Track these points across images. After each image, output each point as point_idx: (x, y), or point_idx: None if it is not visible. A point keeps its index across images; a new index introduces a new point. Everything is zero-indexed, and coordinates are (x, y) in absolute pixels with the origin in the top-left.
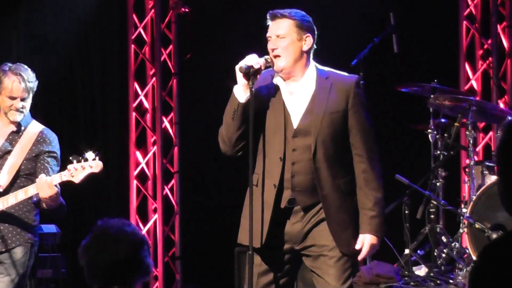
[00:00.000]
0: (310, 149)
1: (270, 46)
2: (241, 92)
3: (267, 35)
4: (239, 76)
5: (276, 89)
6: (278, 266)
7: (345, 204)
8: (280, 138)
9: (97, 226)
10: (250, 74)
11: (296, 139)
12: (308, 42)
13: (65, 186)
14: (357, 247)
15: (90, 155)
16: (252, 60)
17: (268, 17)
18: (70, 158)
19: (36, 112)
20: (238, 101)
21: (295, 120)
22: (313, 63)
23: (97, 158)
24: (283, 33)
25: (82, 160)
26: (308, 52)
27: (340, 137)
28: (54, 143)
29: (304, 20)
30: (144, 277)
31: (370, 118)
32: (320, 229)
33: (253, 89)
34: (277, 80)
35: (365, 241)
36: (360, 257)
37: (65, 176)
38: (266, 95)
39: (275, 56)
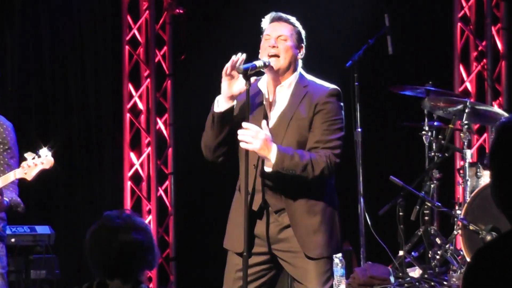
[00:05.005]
0: None
1: (270, 43)
2: (222, 101)
3: (266, 33)
4: (224, 84)
5: (259, 95)
6: (258, 267)
7: (313, 209)
8: None
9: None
10: (248, 75)
11: None
12: (302, 52)
13: (60, 187)
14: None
15: (43, 151)
16: (250, 62)
17: (269, 18)
18: (25, 155)
19: (30, 113)
20: (214, 110)
21: (270, 125)
22: (299, 71)
23: (49, 154)
24: (286, 35)
25: (36, 156)
26: (298, 62)
27: (307, 144)
28: (5, 132)
29: (301, 32)
30: (148, 268)
31: (337, 125)
32: (293, 234)
33: (240, 94)
34: (260, 85)
35: (266, 140)
36: (240, 134)
37: (19, 173)
38: (250, 101)
39: (273, 55)
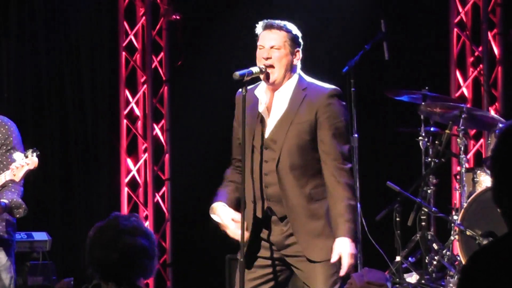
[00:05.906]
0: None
1: (263, 55)
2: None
3: (260, 43)
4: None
5: (256, 103)
6: (267, 273)
7: (317, 212)
8: (257, 150)
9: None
10: (245, 81)
11: (266, 150)
12: (298, 56)
13: (57, 193)
14: (335, 257)
15: (29, 152)
16: (249, 69)
17: (261, 25)
18: (13, 156)
19: (27, 119)
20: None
21: (268, 131)
22: (297, 74)
23: (34, 154)
24: (278, 44)
25: (24, 157)
26: (296, 66)
27: (309, 146)
28: (8, 132)
29: (296, 35)
30: (145, 276)
31: (343, 128)
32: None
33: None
34: (258, 92)
35: (343, 248)
36: (342, 272)
37: (8, 175)
38: (248, 108)
39: (268, 66)
